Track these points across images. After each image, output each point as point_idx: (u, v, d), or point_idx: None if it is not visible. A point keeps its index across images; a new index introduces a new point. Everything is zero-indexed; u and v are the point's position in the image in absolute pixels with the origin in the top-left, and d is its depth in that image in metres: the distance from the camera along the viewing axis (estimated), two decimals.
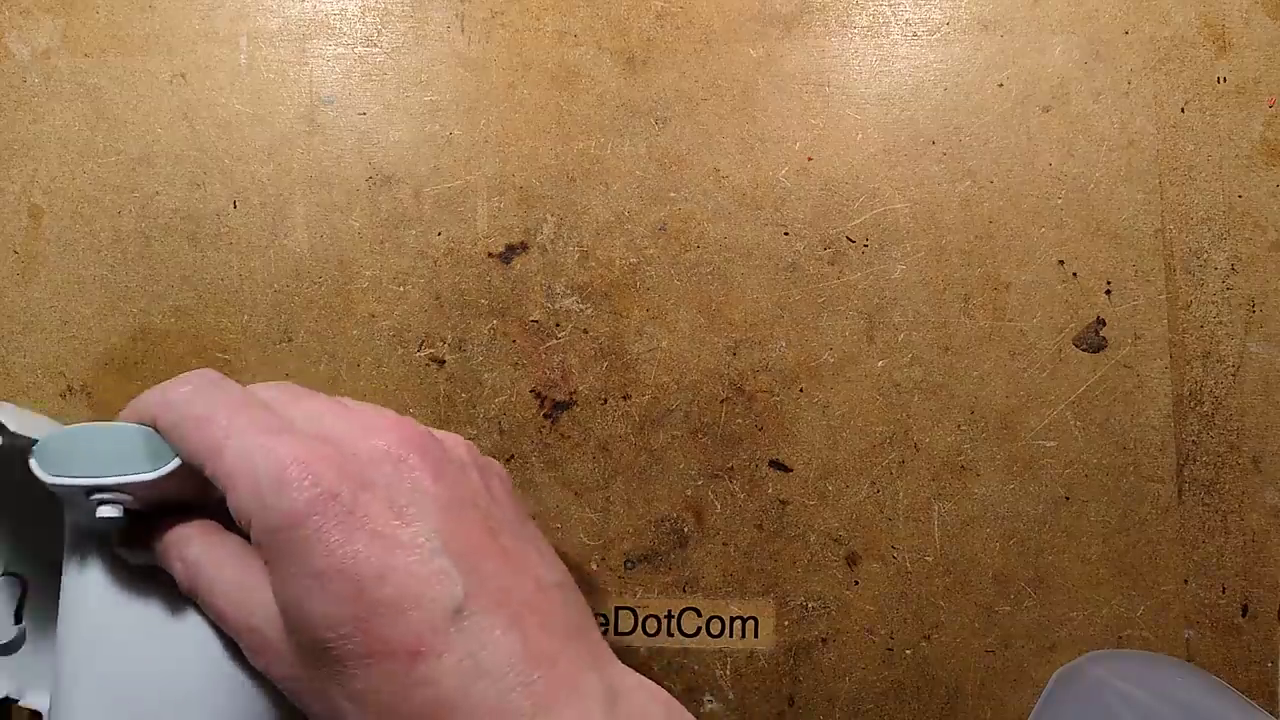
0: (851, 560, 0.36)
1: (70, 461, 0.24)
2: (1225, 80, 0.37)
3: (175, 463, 0.24)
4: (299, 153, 0.37)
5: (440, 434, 0.25)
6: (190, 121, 0.37)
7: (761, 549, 0.36)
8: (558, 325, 0.36)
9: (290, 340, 0.36)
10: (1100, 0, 0.37)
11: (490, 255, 0.37)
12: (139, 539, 0.25)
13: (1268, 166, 0.36)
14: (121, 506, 0.24)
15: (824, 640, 0.36)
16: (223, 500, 0.25)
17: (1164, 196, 0.36)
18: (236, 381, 0.36)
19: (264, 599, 0.22)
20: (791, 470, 0.36)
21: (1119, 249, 0.36)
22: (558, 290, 0.36)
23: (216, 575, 0.23)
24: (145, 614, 0.26)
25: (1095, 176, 0.36)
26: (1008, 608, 0.36)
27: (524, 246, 0.37)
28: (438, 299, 0.36)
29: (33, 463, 0.24)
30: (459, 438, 0.26)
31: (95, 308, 0.37)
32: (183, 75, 0.37)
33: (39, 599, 0.34)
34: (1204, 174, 0.36)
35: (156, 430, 0.24)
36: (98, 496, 0.24)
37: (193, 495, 0.26)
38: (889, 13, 0.37)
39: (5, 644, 0.34)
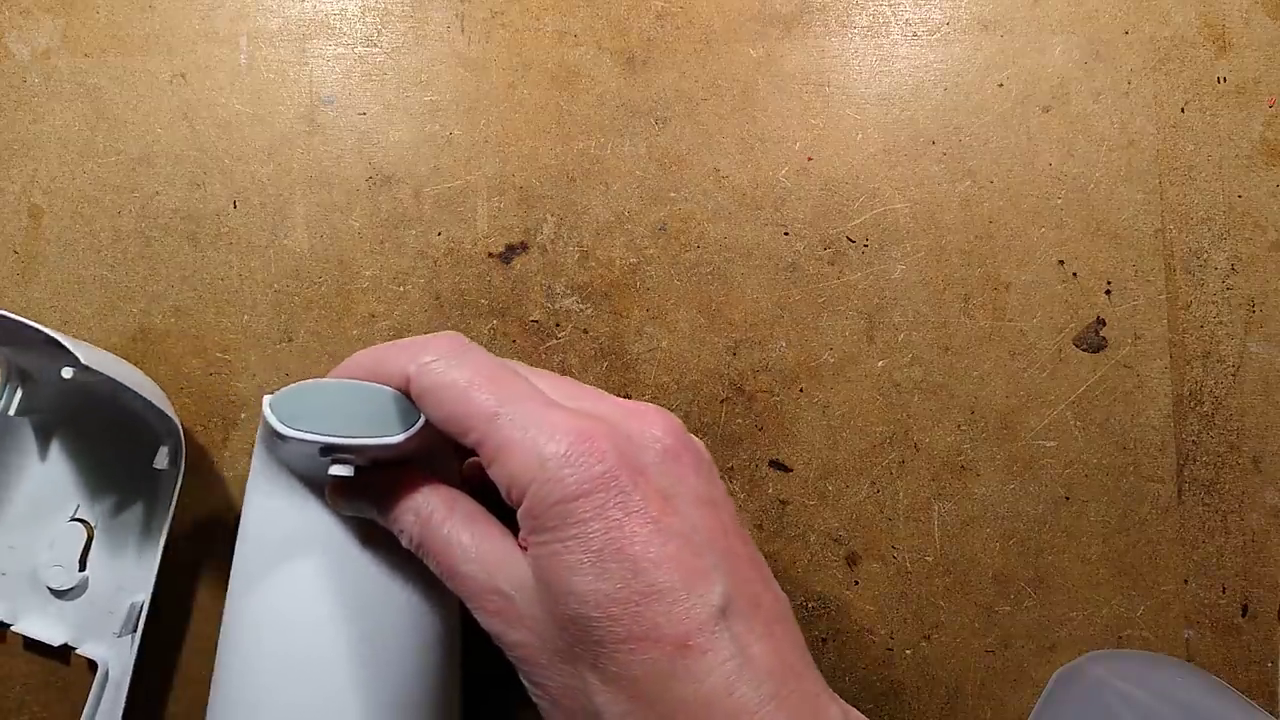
0: (851, 560, 0.36)
1: (310, 416, 0.24)
2: (1225, 80, 0.37)
3: (419, 425, 0.24)
4: (299, 153, 0.37)
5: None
6: (190, 121, 0.37)
7: (761, 549, 0.36)
8: (558, 325, 0.36)
9: (290, 340, 0.36)
10: (1100, 0, 0.37)
11: (490, 255, 0.37)
12: (358, 492, 0.25)
13: (1268, 166, 0.36)
14: (353, 466, 0.24)
15: (824, 640, 0.36)
16: (438, 461, 0.25)
17: (1164, 196, 0.36)
18: (240, 380, 0.36)
19: (513, 565, 0.22)
20: (791, 470, 0.36)
21: (1119, 249, 0.36)
22: (558, 290, 0.36)
23: (454, 534, 0.23)
24: (331, 556, 0.26)
25: (1095, 176, 0.36)
26: (1008, 608, 0.36)
27: (524, 246, 0.37)
28: (438, 299, 0.36)
29: (267, 412, 0.24)
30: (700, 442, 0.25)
31: (95, 308, 0.37)
32: (183, 75, 0.37)
33: (103, 547, 0.35)
34: (1204, 174, 0.36)
35: (406, 392, 0.24)
36: (330, 456, 0.24)
37: (416, 455, 0.26)
38: (889, 13, 0.37)
39: (68, 589, 0.35)
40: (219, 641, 0.28)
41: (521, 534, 0.22)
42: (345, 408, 0.24)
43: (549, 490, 0.21)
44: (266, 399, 0.24)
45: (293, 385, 0.25)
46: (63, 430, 0.36)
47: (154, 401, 0.32)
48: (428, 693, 0.26)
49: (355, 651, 0.25)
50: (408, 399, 0.24)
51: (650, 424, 0.23)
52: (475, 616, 0.23)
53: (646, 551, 0.20)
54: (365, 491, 0.25)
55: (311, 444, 0.24)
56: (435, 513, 0.24)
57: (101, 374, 0.30)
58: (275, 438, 0.24)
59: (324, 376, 0.26)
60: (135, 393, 0.32)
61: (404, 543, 0.25)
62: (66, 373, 0.30)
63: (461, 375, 0.23)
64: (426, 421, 0.24)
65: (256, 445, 0.28)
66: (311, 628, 0.26)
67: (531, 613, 0.22)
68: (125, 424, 0.35)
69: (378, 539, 0.26)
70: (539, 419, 0.22)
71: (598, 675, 0.20)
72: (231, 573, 0.28)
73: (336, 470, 0.24)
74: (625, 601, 0.20)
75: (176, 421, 0.33)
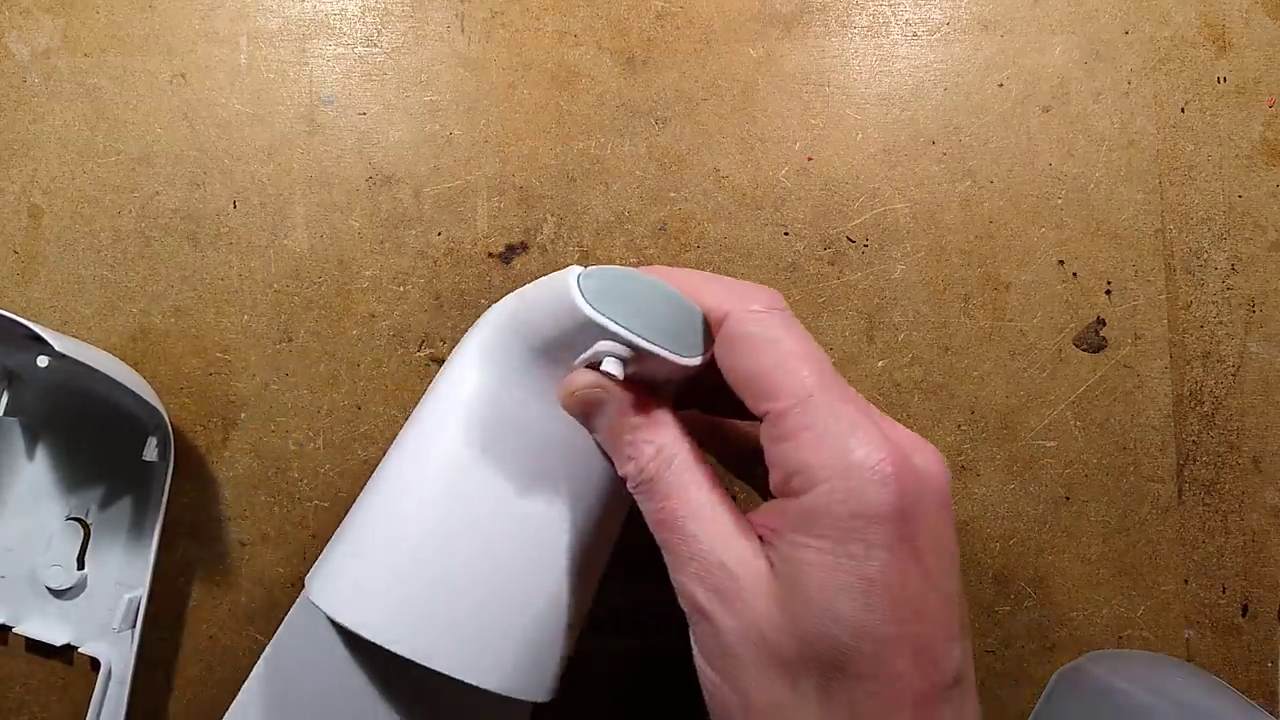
0: None
1: (616, 304, 0.22)
2: (1225, 80, 0.37)
3: (708, 356, 0.23)
4: (299, 153, 0.37)
5: None
6: (190, 121, 0.37)
7: None
8: None
9: (290, 340, 0.36)
10: (1100, 0, 0.37)
11: (490, 255, 0.37)
12: (604, 398, 0.23)
13: (1268, 166, 0.36)
14: (624, 368, 0.22)
15: None
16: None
17: (1164, 196, 0.36)
18: (240, 380, 0.36)
19: (747, 547, 0.21)
20: None
21: (1119, 249, 0.36)
22: None
23: (693, 488, 0.22)
24: (532, 446, 0.25)
25: (1095, 176, 0.36)
26: (1008, 608, 0.36)
27: (524, 246, 0.37)
28: (438, 299, 0.36)
29: (573, 285, 0.22)
30: None
31: (95, 308, 0.37)
32: (183, 75, 0.37)
33: (98, 544, 0.35)
34: (1204, 174, 0.36)
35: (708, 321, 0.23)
36: (608, 348, 0.22)
37: (664, 386, 0.24)
38: (889, 13, 0.37)
39: (68, 589, 0.35)
40: (371, 493, 0.27)
41: (770, 521, 0.21)
42: (650, 309, 0.22)
43: (845, 498, 0.19)
44: (575, 270, 0.22)
45: (603, 266, 0.22)
46: (51, 429, 0.36)
47: (139, 393, 0.32)
48: (573, 599, 0.26)
49: (521, 540, 0.25)
50: (707, 326, 0.23)
51: (935, 465, 0.21)
52: (681, 587, 0.21)
53: (916, 599, 0.19)
54: (614, 400, 0.23)
55: (605, 332, 0.22)
56: (679, 457, 0.22)
57: (78, 362, 0.30)
58: (567, 313, 0.22)
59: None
60: (120, 385, 0.32)
61: (627, 470, 0.23)
62: (42, 361, 0.30)
63: (786, 338, 0.21)
64: (711, 358, 0.23)
65: (499, 312, 0.26)
66: (486, 507, 0.25)
67: (757, 606, 0.20)
68: (112, 419, 0.36)
69: (580, 446, 0.25)
70: (853, 420, 0.20)
71: (822, 700, 0.19)
72: (412, 427, 0.27)
73: (608, 367, 0.22)
74: (881, 640, 0.19)
75: (163, 412, 0.33)
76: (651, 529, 0.22)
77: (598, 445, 0.25)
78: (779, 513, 0.21)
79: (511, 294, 0.26)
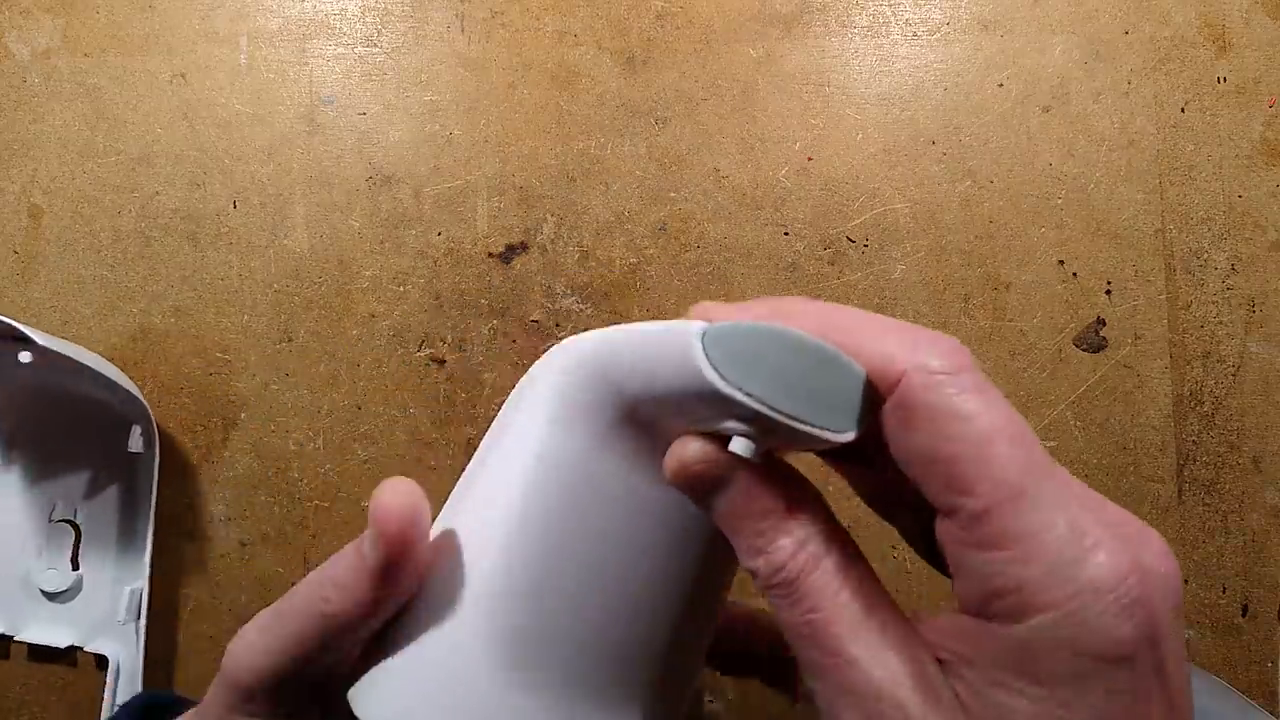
0: None
1: (752, 371, 0.17)
2: (1225, 80, 0.37)
3: (866, 426, 0.18)
4: (299, 153, 0.37)
5: None
6: (190, 121, 0.37)
7: None
8: (558, 325, 0.36)
9: (290, 340, 0.36)
10: (1100, 0, 0.37)
11: (490, 255, 0.37)
12: (726, 478, 0.19)
13: (1268, 166, 0.36)
14: (758, 448, 0.18)
15: None
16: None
17: (1164, 196, 0.36)
18: (240, 380, 0.36)
19: (927, 677, 0.17)
20: None
21: (1119, 249, 0.36)
22: (558, 290, 0.36)
23: (852, 596, 0.17)
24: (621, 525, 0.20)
25: (1095, 176, 0.36)
26: None
27: (524, 246, 0.37)
28: (438, 299, 0.36)
29: (698, 350, 0.17)
30: None
31: (95, 308, 0.37)
32: (183, 75, 0.37)
33: (91, 542, 0.35)
34: (1204, 174, 0.36)
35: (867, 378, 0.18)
36: (740, 427, 0.17)
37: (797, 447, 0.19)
38: (889, 13, 0.37)
39: (64, 591, 0.35)
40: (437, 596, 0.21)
41: (958, 645, 0.17)
42: (797, 374, 0.17)
43: (1078, 634, 0.15)
44: (696, 328, 0.17)
45: (733, 322, 0.17)
46: (30, 432, 0.36)
47: (117, 380, 0.32)
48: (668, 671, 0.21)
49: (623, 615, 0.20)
50: (871, 387, 0.18)
51: (1167, 559, 0.16)
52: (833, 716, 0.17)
53: None
54: (740, 478, 0.18)
55: (738, 406, 0.17)
56: (830, 557, 0.18)
57: (55, 353, 0.30)
58: (686, 381, 0.17)
59: (752, 309, 0.19)
60: (99, 376, 0.32)
61: (756, 565, 0.18)
62: (24, 357, 0.30)
63: (984, 410, 0.16)
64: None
65: (573, 359, 0.21)
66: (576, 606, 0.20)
67: None
68: (92, 416, 0.35)
69: (686, 523, 0.21)
70: (1078, 523, 0.16)
71: None
72: (473, 502, 0.21)
73: (739, 448, 0.17)
74: None
75: (143, 400, 0.33)
76: (790, 641, 0.18)
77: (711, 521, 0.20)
78: (974, 638, 0.16)
79: (587, 336, 0.21)
